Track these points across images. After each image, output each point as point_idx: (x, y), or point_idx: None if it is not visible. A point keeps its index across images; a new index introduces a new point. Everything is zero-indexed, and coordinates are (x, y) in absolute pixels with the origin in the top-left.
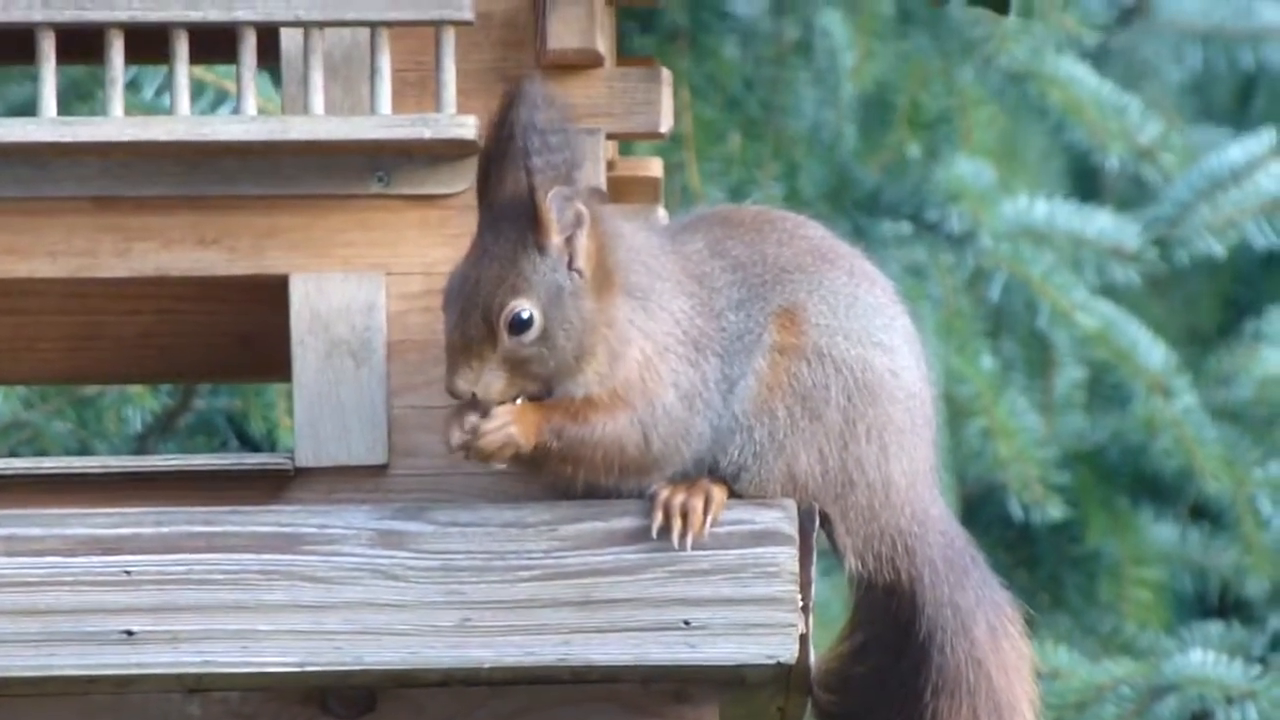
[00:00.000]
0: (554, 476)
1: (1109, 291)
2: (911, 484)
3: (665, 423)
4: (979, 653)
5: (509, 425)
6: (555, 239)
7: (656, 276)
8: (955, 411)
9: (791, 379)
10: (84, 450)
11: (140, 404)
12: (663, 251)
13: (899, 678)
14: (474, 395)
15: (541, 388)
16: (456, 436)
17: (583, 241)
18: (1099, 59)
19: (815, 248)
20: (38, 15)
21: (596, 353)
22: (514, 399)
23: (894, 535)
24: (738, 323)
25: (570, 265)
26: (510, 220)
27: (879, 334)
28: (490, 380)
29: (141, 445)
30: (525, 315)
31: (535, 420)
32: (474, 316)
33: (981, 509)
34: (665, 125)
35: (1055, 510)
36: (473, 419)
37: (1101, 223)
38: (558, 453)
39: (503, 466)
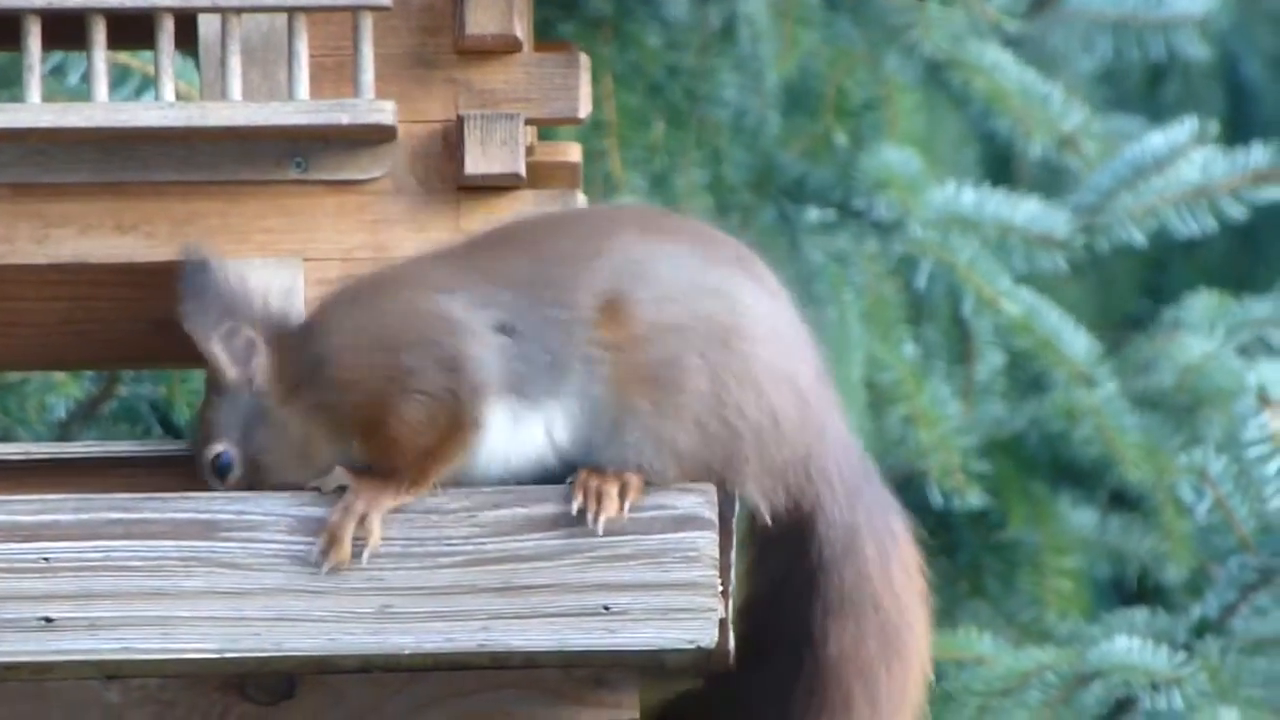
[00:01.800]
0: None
1: (1029, 279)
2: (802, 402)
3: (436, 375)
4: (868, 570)
5: (369, 517)
6: (232, 375)
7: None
8: (877, 398)
9: (639, 369)
10: (6, 437)
11: (63, 391)
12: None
13: (791, 599)
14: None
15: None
16: (323, 558)
17: (260, 361)
18: (1009, 48)
19: (593, 229)
20: None
21: (323, 443)
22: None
23: (797, 460)
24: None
25: (251, 389)
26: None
27: (702, 281)
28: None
29: (64, 432)
30: (225, 459)
31: (382, 500)
32: (201, 474)
33: (901, 496)
34: (584, 111)
35: (975, 498)
36: (331, 526)
37: (1030, 210)
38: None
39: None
